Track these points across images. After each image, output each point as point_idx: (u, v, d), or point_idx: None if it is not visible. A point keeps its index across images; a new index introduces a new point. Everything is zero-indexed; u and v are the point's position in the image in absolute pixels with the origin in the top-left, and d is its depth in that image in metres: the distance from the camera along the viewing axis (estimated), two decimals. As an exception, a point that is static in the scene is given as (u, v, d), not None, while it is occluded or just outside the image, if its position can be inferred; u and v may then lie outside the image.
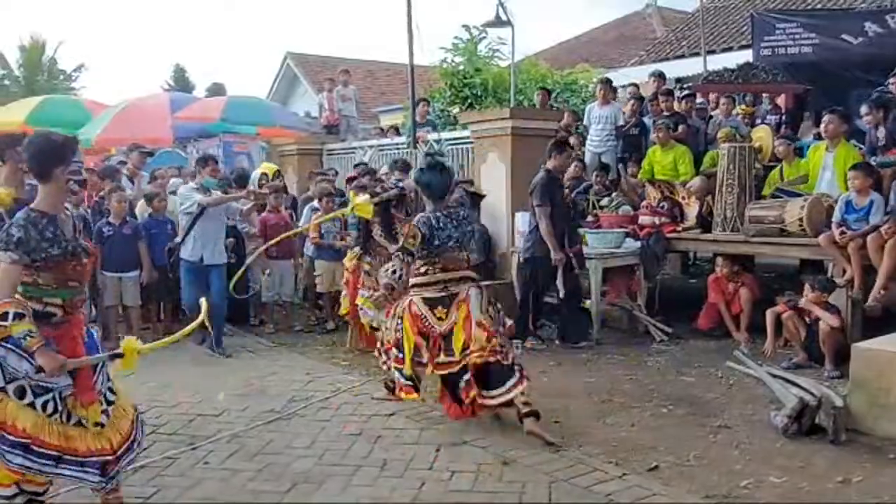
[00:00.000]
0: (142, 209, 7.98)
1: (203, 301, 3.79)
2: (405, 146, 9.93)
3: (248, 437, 4.63)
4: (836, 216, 6.24)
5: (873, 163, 6.60)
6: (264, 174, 9.50)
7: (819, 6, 13.82)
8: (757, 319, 6.59)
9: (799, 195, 7.00)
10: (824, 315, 5.77)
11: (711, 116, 9.48)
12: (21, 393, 3.06)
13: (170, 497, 3.77)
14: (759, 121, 9.58)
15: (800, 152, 7.85)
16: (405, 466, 4.10)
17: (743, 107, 9.79)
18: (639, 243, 7.43)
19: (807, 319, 6.02)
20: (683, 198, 7.75)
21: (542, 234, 6.69)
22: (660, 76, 10.16)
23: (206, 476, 4.04)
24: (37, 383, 3.06)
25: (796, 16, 10.47)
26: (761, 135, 8.63)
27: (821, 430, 4.45)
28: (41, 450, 3.05)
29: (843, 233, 6.07)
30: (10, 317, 2.92)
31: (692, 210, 7.66)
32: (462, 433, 4.56)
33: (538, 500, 3.67)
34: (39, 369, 2.99)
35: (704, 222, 7.51)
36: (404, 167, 7.21)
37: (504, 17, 10.15)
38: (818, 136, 7.79)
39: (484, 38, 12.02)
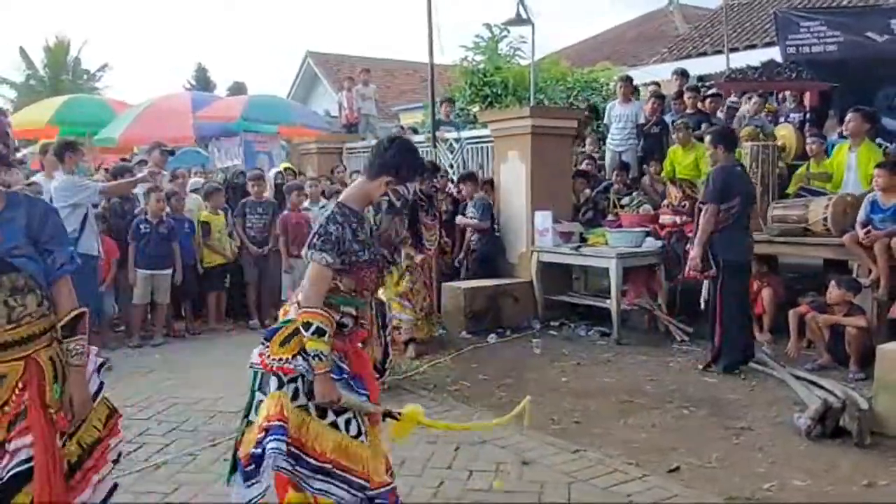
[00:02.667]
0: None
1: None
2: (425, 145, 9.93)
3: (268, 434, 4.64)
4: (861, 216, 6.15)
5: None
6: (279, 172, 9.56)
7: (844, 3, 13.64)
8: (780, 320, 6.51)
9: (823, 194, 6.92)
10: (847, 321, 5.70)
11: (737, 110, 9.38)
12: (322, 411, 2.78)
13: (190, 493, 3.79)
14: (782, 119, 9.47)
15: (826, 151, 7.76)
16: (424, 465, 4.10)
17: (767, 105, 9.68)
18: (660, 243, 7.37)
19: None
20: (705, 197, 7.68)
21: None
22: (682, 74, 10.07)
23: (226, 473, 4.05)
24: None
25: (820, 14, 10.34)
26: (785, 133, 8.54)
27: (845, 433, 4.39)
28: (341, 474, 2.75)
29: (867, 232, 5.98)
30: (312, 329, 2.69)
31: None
32: (481, 432, 4.55)
33: (557, 500, 3.65)
34: (311, 397, 2.75)
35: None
36: (432, 169, 7.13)
37: (525, 16, 10.10)
38: (842, 135, 7.70)
39: (505, 36, 11.99)
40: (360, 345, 2.97)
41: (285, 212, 8.12)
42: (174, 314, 7.94)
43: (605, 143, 9.85)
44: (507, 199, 8.10)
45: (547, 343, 6.90)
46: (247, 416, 2.91)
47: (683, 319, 7.21)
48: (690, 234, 7.37)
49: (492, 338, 7.10)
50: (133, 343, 7.21)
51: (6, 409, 2.45)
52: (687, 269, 6.09)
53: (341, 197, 2.96)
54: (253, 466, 2.70)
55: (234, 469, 2.90)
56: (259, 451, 2.67)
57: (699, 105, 9.13)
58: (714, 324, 5.97)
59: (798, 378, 5.34)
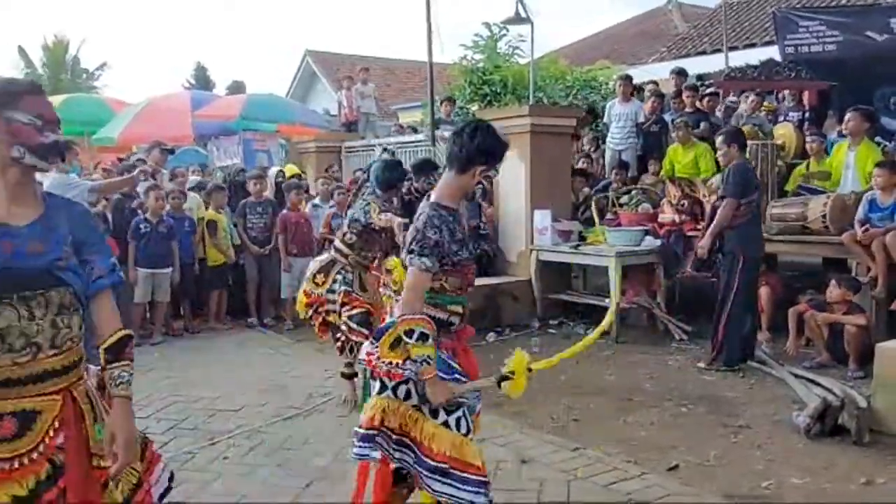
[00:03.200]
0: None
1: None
2: (425, 143, 9.94)
3: (268, 432, 4.65)
4: (860, 214, 6.16)
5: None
6: (281, 171, 9.57)
7: (843, 2, 13.64)
8: (779, 319, 6.52)
9: (822, 192, 6.93)
10: (846, 319, 5.71)
11: (735, 110, 9.39)
12: (434, 412, 2.75)
13: (189, 491, 3.79)
14: (781, 118, 9.48)
15: (826, 150, 7.77)
16: (423, 463, 4.10)
17: (765, 104, 9.69)
18: (659, 241, 7.38)
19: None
20: (704, 196, 7.69)
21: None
22: (679, 73, 10.08)
23: (225, 471, 4.06)
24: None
25: (820, 13, 10.34)
26: (784, 132, 8.54)
27: (844, 431, 4.40)
28: (461, 474, 2.69)
29: (865, 230, 5.99)
30: (416, 335, 2.64)
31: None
32: (480, 431, 4.55)
33: (556, 498, 3.66)
34: (424, 399, 2.72)
35: (726, 220, 7.43)
36: (430, 168, 7.10)
37: (524, 14, 10.10)
38: (841, 134, 7.71)
39: (504, 35, 11.98)
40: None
41: (285, 211, 8.12)
42: (173, 313, 7.95)
43: (603, 142, 9.85)
44: (506, 198, 8.10)
45: (546, 342, 6.90)
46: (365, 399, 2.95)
47: (682, 318, 7.22)
48: (691, 233, 7.41)
49: (490, 336, 7.10)
50: (153, 342, 7.24)
51: (35, 454, 2.05)
52: (693, 259, 6.11)
53: (434, 196, 2.85)
54: (366, 436, 2.76)
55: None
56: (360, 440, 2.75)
57: (697, 104, 9.14)
58: (719, 318, 5.99)
59: (797, 376, 5.35)
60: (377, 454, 2.73)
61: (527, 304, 7.69)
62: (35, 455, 2.04)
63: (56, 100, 13.36)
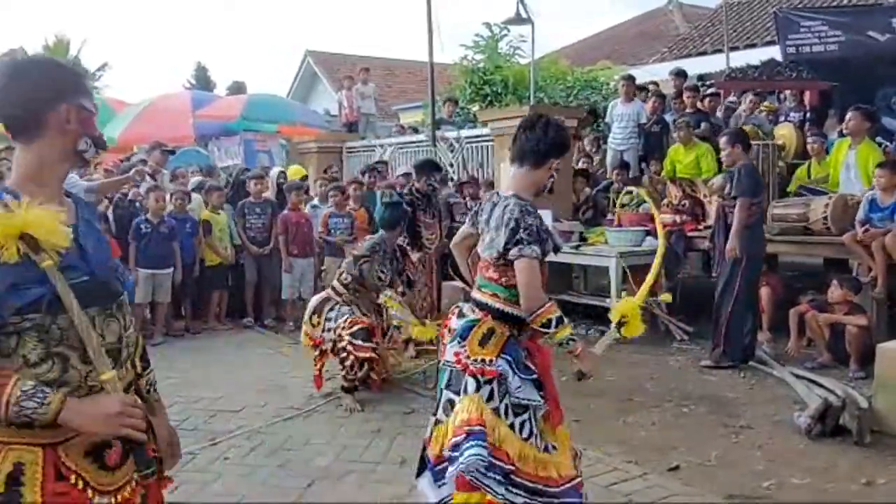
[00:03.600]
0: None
1: None
2: (425, 144, 9.94)
3: (268, 433, 4.65)
4: (861, 214, 6.15)
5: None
6: (282, 172, 9.57)
7: (845, 2, 13.64)
8: (780, 319, 6.51)
9: (823, 193, 6.92)
10: (847, 320, 5.70)
11: (734, 110, 9.39)
12: (504, 414, 2.70)
13: (190, 492, 3.79)
14: (782, 118, 9.47)
15: (827, 150, 7.77)
16: (424, 464, 4.10)
17: (766, 104, 9.68)
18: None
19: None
20: (705, 196, 7.69)
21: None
22: (678, 74, 10.06)
23: (226, 471, 4.06)
24: (517, 401, 2.72)
25: (821, 13, 10.34)
26: (785, 132, 8.53)
27: (845, 432, 4.39)
28: (520, 480, 2.64)
29: (866, 230, 5.98)
30: (553, 324, 2.64)
31: (714, 208, 7.59)
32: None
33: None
34: (504, 395, 2.67)
35: (727, 221, 7.42)
36: (431, 168, 7.09)
37: (524, 15, 10.10)
38: (842, 134, 7.70)
39: (505, 35, 11.98)
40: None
41: (286, 211, 8.12)
42: (174, 314, 7.95)
43: (604, 143, 9.85)
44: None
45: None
46: (434, 413, 2.85)
47: (683, 318, 7.21)
48: (692, 233, 7.41)
49: (492, 337, 7.08)
50: (153, 342, 7.23)
51: (133, 485, 1.80)
52: (726, 256, 6.03)
53: (511, 191, 2.83)
54: (445, 466, 2.67)
55: (422, 467, 2.85)
56: (456, 453, 2.60)
57: (698, 104, 9.13)
58: (719, 317, 6.00)
59: (798, 377, 5.34)
60: (486, 451, 2.60)
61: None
62: (132, 486, 1.79)
63: (57, 100, 13.43)
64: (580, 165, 9.21)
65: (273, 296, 8.19)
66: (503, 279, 2.76)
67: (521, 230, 2.65)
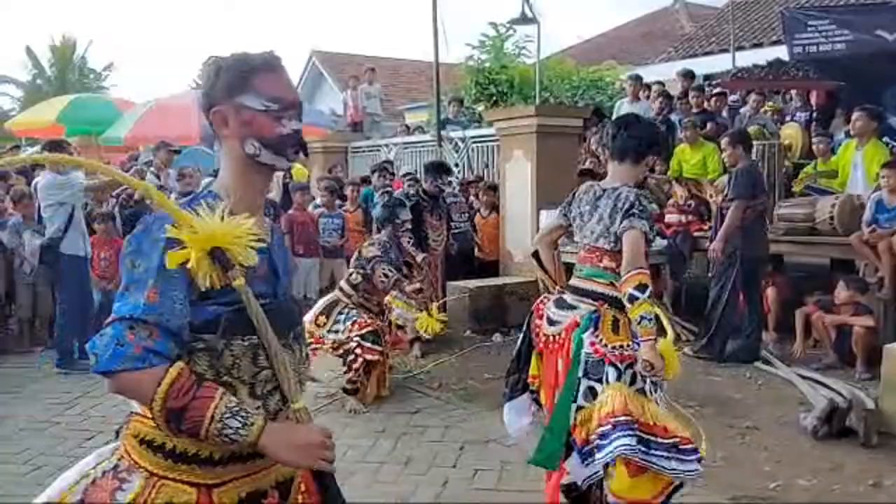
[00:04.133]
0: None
1: None
2: (431, 144, 9.93)
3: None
4: (867, 215, 6.12)
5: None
6: (288, 171, 9.58)
7: (852, 0, 13.58)
8: (786, 320, 6.49)
9: (830, 193, 6.89)
10: (854, 321, 5.68)
11: (738, 113, 9.36)
12: (648, 392, 2.83)
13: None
14: (788, 118, 9.44)
15: (833, 150, 7.74)
16: (429, 464, 4.10)
17: (770, 104, 9.65)
18: (665, 242, 7.35)
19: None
20: (711, 196, 7.66)
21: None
22: (686, 75, 10.04)
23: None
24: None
25: (828, 12, 10.29)
26: (791, 132, 8.50)
27: (851, 433, 4.37)
28: (684, 447, 2.75)
29: (872, 231, 5.96)
30: (648, 291, 2.76)
31: (720, 209, 7.57)
32: (486, 431, 4.55)
33: (564, 499, 3.64)
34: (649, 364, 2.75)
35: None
36: (440, 170, 7.08)
37: (530, 14, 10.09)
38: (848, 134, 7.67)
39: (511, 35, 11.97)
40: None
41: (291, 211, 8.13)
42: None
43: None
44: (513, 198, 8.09)
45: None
46: (574, 399, 2.89)
47: (688, 319, 7.18)
48: (697, 234, 7.38)
49: (497, 337, 7.09)
50: None
51: None
52: (708, 255, 6.14)
53: (614, 183, 3.00)
54: (592, 448, 2.76)
55: (568, 451, 2.90)
56: (605, 442, 2.71)
57: (705, 104, 9.10)
58: (711, 313, 6.07)
59: (804, 378, 5.32)
60: (634, 440, 2.69)
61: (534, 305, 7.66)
62: None
63: (63, 100, 13.46)
64: (587, 165, 9.16)
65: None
66: (619, 267, 2.88)
67: (636, 208, 2.85)
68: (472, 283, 7.56)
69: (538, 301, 3.25)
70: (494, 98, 11.53)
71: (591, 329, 2.87)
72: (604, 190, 3.04)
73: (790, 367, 5.68)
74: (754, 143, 7.31)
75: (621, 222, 2.86)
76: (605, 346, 2.83)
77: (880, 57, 8.95)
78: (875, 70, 8.92)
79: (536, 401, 3.20)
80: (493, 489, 3.79)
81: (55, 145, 6.60)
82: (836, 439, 4.37)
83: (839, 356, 5.81)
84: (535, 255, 3.44)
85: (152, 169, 8.75)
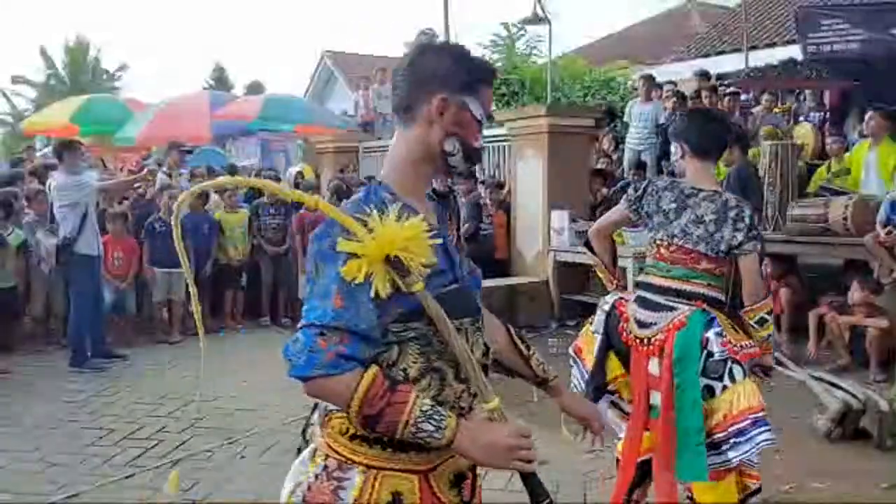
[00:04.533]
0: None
1: None
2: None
3: (285, 432, 4.66)
4: (882, 215, 6.06)
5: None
6: (300, 172, 9.63)
7: None
8: (799, 321, 6.44)
9: (843, 193, 6.83)
10: (868, 322, 5.63)
11: (752, 113, 9.32)
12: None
13: (207, 490, 3.81)
14: (801, 118, 9.39)
15: (847, 150, 7.68)
16: (439, 464, 4.09)
17: (782, 105, 9.60)
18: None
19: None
20: (723, 196, 7.62)
21: None
22: (702, 75, 9.98)
23: (242, 470, 4.08)
24: None
25: (843, 10, 10.22)
26: (804, 132, 8.45)
27: (865, 435, 4.34)
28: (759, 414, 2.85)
29: (889, 233, 5.90)
30: (768, 320, 2.86)
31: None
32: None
33: (573, 500, 3.64)
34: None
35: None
36: None
37: (542, 14, 10.09)
38: (862, 134, 7.61)
39: (522, 35, 11.97)
40: None
41: (302, 210, 8.15)
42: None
43: (622, 143, 9.80)
44: (524, 198, 8.07)
45: (563, 343, 6.83)
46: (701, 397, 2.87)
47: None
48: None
49: (507, 337, 7.06)
50: (159, 339, 7.32)
51: None
52: None
53: (710, 186, 2.96)
54: (720, 443, 2.77)
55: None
56: (741, 439, 2.75)
57: (719, 104, 9.06)
58: None
59: (817, 379, 5.27)
60: (772, 433, 2.79)
61: (544, 305, 7.66)
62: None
63: (77, 100, 13.56)
64: (599, 165, 9.16)
65: (289, 295, 8.21)
66: (717, 269, 2.90)
67: (756, 229, 2.85)
68: (482, 284, 7.54)
69: (613, 301, 3.20)
70: (506, 98, 11.53)
71: (715, 329, 2.82)
72: (696, 190, 2.94)
73: (803, 369, 5.64)
74: (768, 142, 7.29)
75: (737, 237, 2.82)
76: (735, 345, 2.81)
77: (893, 56, 8.87)
78: (889, 69, 8.85)
79: (613, 403, 3.17)
80: (504, 490, 3.78)
81: (66, 145, 6.65)
82: (849, 441, 4.34)
83: (853, 358, 5.77)
84: (587, 244, 3.36)
85: (164, 169, 8.79)
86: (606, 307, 3.23)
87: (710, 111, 3.08)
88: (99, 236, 6.57)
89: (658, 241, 3.01)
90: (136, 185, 7.56)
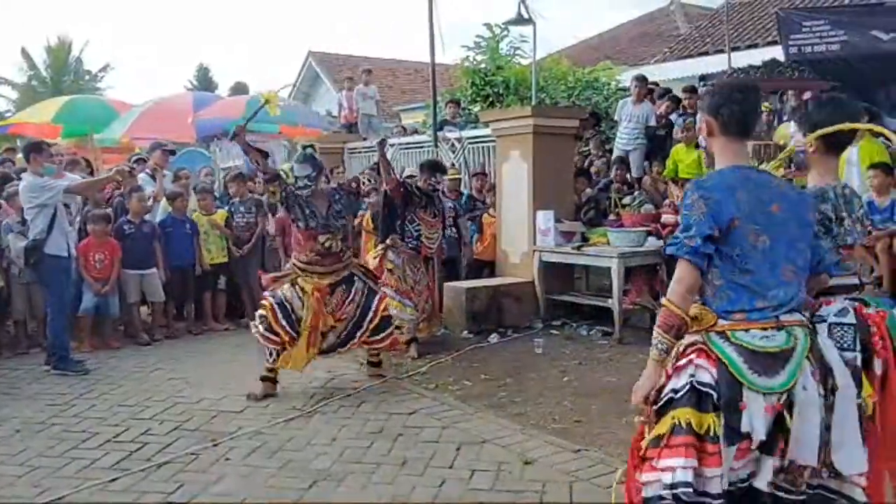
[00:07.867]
0: (164, 208, 8.06)
1: None
2: (427, 144, 9.94)
3: (270, 434, 4.65)
4: (862, 216, 6.13)
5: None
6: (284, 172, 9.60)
7: (846, 1, 13.62)
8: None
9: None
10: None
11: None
12: None
13: (192, 493, 3.79)
14: (785, 118, 9.46)
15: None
16: (425, 465, 4.10)
17: (766, 104, 9.66)
18: (661, 242, 7.36)
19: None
20: (706, 196, 7.68)
21: None
22: (691, 91, 9.98)
23: (227, 472, 4.06)
24: None
25: (824, 13, 10.32)
26: (785, 132, 8.50)
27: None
28: None
29: (868, 233, 5.96)
30: None
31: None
32: (483, 432, 4.55)
33: (559, 499, 3.65)
34: None
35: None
36: (435, 168, 7.06)
37: (526, 15, 10.09)
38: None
39: (506, 35, 11.97)
40: None
41: (279, 215, 8.10)
42: (175, 315, 7.95)
43: (609, 144, 9.84)
44: (509, 199, 8.09)
45: (548, 343, 6.89)
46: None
47: (685, 319, 7.19)
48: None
49: (493, 338, 7.09)
50: (140, 341, 7.26)
51: None
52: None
53: (836, 181, 2.93)
54: None
55: None
56: None
57: (698, 104, 9.12)
58: None
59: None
60: None
61: (530, 306, 7.68)
62: None
63: (59, 101, 13.41)
64: (594, 167, 9.19)
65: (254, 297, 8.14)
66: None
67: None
68: (468, 284, 7.57)
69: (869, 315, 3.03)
70: (490, 99, 11.53)
71: None
72: (846, 189, 2.97)
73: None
74: (749, 142, 7.33)
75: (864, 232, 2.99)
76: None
77: (875, 58, 8.98)
78: (870, 70, 8.95)
79: None
80: (490, 490, 3.79)
81: (33, 147, 6.54)
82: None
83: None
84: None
85: (147, 170, 8.73)
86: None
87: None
88: (70, 237, 6.44)
89: (841, 242, 3.09)
90: (105, 184, 7.44)
